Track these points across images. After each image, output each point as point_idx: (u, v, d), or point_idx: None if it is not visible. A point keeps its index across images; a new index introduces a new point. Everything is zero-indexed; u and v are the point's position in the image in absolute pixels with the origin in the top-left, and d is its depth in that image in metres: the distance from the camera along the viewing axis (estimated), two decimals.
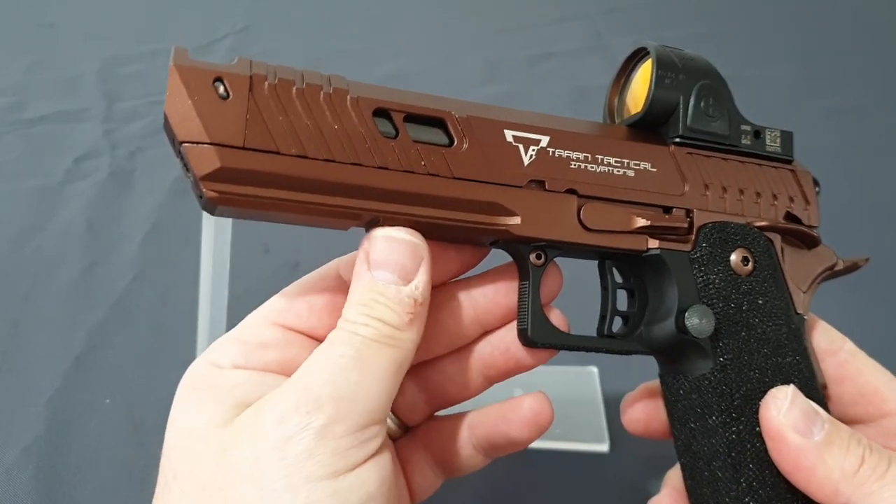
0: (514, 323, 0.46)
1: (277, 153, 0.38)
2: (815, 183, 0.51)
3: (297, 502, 0.35)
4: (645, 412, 0.51)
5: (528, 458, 0.69)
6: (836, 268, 0.50)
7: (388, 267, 0.39)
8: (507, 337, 0.46)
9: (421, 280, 0.40)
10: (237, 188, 0.37)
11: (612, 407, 0.73)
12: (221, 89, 0.38)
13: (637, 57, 0.49)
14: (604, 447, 0.70)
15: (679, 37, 1.09)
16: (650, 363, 0.54)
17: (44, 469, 0.62)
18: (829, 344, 0.48)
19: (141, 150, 0.98)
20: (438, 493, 0.68)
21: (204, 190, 0.37)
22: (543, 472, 0.68)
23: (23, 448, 0.63)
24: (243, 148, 0.37)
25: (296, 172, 0.38)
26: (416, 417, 0.49)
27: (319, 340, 0.42)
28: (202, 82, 0.37)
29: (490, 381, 0.48)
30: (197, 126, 0.37)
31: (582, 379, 0.76)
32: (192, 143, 0.37)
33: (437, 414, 0.49)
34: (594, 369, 0.76)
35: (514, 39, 1.12)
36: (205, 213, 0.44)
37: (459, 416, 0.48)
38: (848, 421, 0.46)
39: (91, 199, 0.90)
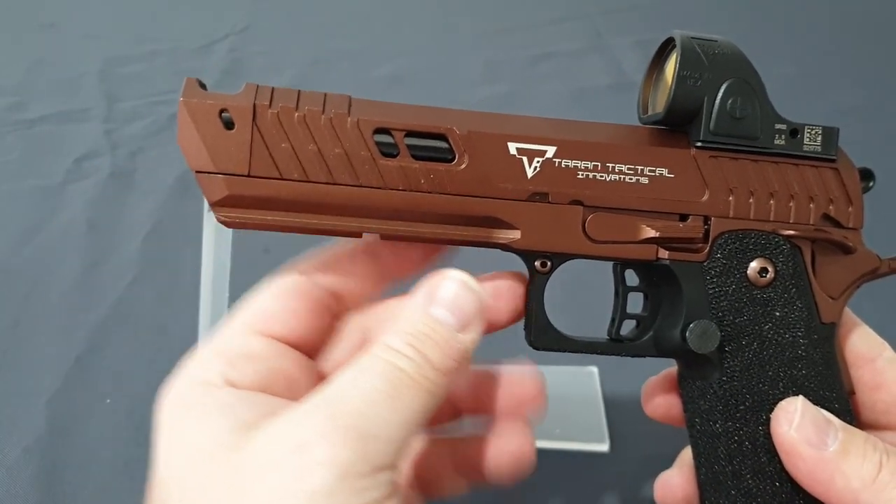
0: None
1: (281, 179, 0.40)
2: (870, 176, 0.47)
3: None
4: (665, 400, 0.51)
5: None
6: (880, 271, 0.46)
7: (451, 310, 0.38)
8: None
9: (474, 335, 0.39)
10: (245, 212, 0.41)
11: (612, 407, 0.73)
12: (227, 120, 0.40)
13: (668, 47, 0.47)
14: (604, 447, 0.70)
15: None
16: (652, 364, 0.54)
17: (45, 469, 0.61)
18: (869, 350, 0.47)
19: (142, 151, 0.98)
20: None
21: (216, 214, 0.40)
22: (543, 472, 0.68)
23: (24, 448, 0.63)
24: (248, 176, 0.40)
25: (299, 197, 0.41)
26: None
27: (304, 349, 0.42)
28: (208, 115, 0.39)
29: (458, 415, 0.47)
30: (205, 157, 0.39)
31: (582, 379, 0.76)
32: (203, 172, 0.40)
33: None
34: (594, 369, 0.76)
35: (514, 39, 1.12)
36: (205, 214, 0.46)
37: (443, 440, 0.46)
38: (880, 428, 0.45)
39: (91, 199, 0.90)
